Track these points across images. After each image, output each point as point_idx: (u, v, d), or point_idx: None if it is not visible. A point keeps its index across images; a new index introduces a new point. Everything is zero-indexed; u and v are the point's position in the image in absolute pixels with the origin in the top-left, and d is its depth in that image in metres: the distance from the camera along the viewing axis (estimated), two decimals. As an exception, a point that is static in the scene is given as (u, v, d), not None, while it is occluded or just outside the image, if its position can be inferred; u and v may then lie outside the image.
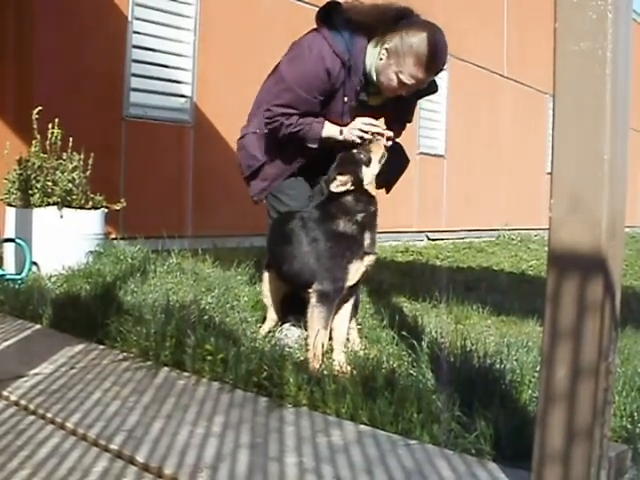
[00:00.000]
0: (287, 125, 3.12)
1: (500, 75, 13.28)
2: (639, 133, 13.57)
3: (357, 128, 3.09)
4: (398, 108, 3.29)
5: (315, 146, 3.14)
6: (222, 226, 7.57)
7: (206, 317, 3.28)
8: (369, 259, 3.00)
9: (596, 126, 1.59)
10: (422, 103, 12.16)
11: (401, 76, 3.01)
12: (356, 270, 2.95)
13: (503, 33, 13.30)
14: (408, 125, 3.49)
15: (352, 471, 1.94)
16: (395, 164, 3.35)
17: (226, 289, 4.19)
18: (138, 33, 7.30)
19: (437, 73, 3.10)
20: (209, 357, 2.78)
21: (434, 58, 2.99)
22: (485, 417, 2.10)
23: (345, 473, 1.92)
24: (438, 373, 2.47)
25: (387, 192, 3.41)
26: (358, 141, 3.09)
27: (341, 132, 3.13)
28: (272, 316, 3.40)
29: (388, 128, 3.26)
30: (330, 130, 3.14)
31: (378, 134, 3.09)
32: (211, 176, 7.74)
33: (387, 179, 3.37)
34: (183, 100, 7.79)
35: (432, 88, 3.27)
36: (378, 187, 3.39)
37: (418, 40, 2.98)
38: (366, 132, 3.08)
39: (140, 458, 2.00)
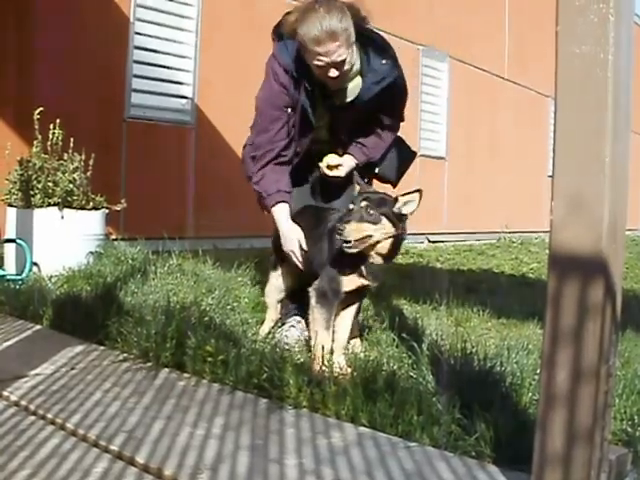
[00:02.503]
0: (255, 178, 3.24)
1: (501, 78, 13.29)
2: (639, 135, 13.57)
3: (289, 247, 3.19)
4: (370, 104, 3.22)
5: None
6: (223, 227, 7.56)
7: (206, 318, 3.28)
8: (363, 281, 2.95)
9: (597, 129, 1.60)
10: (423, 106, 12.07)
11: (314, 62, 3.00)
12: (350, 279, 2.93)
13: (504, 36, 13.32)
14: (405, 124, 3.47)
15: (352, 473, 1.93)
16: (398, 159, 3.40)
17: (227, 290, 4.19)
18: (139, 34, 7.32)
19: (333, 38, 2.95)
20: (209, 358, 2.78)
21: (314, 29, 2.93)
22: (485, 419, 2.10)
23: (345, 475, 1.92)
24: (438, 375, 2.47)
25: (394, 187, 3.47)
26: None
27: (283, 233, 3.21)
28: (272, 316, 3.41)
29: (368, 125, 3.30)
30: (278, 216, 3.21)
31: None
32: (212, 177, 7.75)
33: (389, 174, 3.43)
34: (184, 101, 7.80)
35: (391, 74, 3.18)
36: (384, 182, 3.47)
37: (300, 24, 2.98)
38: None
39: (140, 459, 2.00)
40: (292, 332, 3.32)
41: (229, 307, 3.79)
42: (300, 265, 3.18)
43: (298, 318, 3.37)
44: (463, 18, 11.67)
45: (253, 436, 2.20)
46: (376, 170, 3.43)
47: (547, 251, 1.69)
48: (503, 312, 4.31)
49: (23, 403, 2.47)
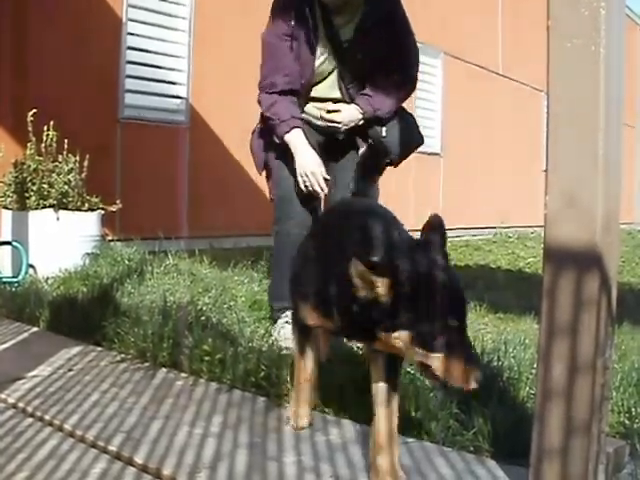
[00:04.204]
0: (265, 103, 3.19)
1: (495, 73, 13.30)
2: (632, 128, 13.58)
3: (303, 174, 3.14)
4: (371, 43, 3.21)
5: (278, 142, 3.17)
6: (218, 226, 7.56)
7: (203, 318, 3.28)
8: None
9: (590, 122, 1.60)
10: (418, 102, 11.99)
11: None
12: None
13: (498, 31, 13.32)
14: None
15: (351, 469, 1.94)
16: (406, 133, 3.33)
17: (223, 289, 4.19)
18: (132, 34, 7.30)
19: None
20: (207, 357, 2.78)
21: None
22: (483, 414, 2.10)
23: (344, 472, 1.92)
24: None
25: (395, 165, 3.38)
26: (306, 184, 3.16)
27: (302, 160, 3.14)
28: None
29: (376, 77, 3.25)
30: (295, 142, 3.13)
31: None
32: (207, 176, 7.74)
33: (394, 146, 3.32)
34: (178, 101, 7.79)
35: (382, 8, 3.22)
36: (384, 157, 3.32)
37: None
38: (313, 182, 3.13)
39: (139, 459, 2.00)
40: (287, 329, 3.28)
41: (226, 306, 3.78)
42: (323, 193, 3.15)
43: (288, 313, 3.32)
44: (457, 14, 11.68)
45: (251, 434, 2.20)
46: (383, 132, 3.29)
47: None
48: (500, 307, 4.31)
49: (21, 405, 2.46)
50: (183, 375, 2.81)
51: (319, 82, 3.31)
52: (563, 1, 1.63)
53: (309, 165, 3.13)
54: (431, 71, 11.58)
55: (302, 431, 2.21)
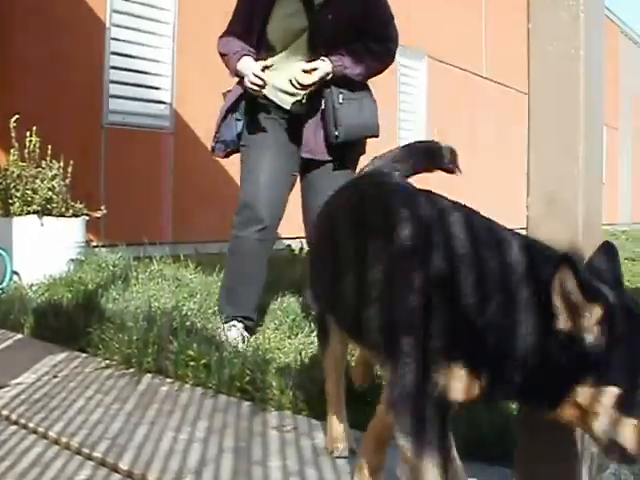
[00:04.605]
0: (220, 46, 3.45)
1: (479, 76, 13.36)
2: (616, 130, 13.66)
3: (249, 79, 3.20)
4: (342, 3, 3.24)
5: (236, 79, 3.32)
6: (203, 231, 7.54)
7: (188, 323, 3.27)
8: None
9: (570, 124, 1.61)
10: (402, 105, 11.96)
11: None
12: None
13: (482, 34, 13.38)
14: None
15: (336, 474, 1.94)
16: (361, 118, 3.26)
17: (208, 294, 4.18)
18: (116, 40, 7.28)
19: None
20: (192, 363, 2.77)
21: None
22: (469, 417, 2.10)
23: (329, 476, 1.92)
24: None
25: (335, 144, 3.26)
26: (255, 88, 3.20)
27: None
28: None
29: (344, 38, 3.24)
30: (242, 66, 3.24)
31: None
32: (191, 182, 7.72)
33: (341, 127, 3.22)
34: (162, 106, 7.77)
35: None
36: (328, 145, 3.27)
37: None
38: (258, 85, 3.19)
39: (124, 465, 1.99)
40: (233, 332, 3.28)
41: (211, 311, 3.78)
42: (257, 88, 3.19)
43: (235, 322, 3.35)
44: (440, 17, 11.72)
45: (236, 439, 2.20)
46: (340, 99, 3.21)
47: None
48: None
49: (4, 413, 2.45)
50: (168, 381, 2.81)
51: (288, 45, 3.32)
52: (543, 4, 1.65)
53: (247, 70, 3.21)
54: (415, 74, 11.62)
55: (287, 435, 2.21)
